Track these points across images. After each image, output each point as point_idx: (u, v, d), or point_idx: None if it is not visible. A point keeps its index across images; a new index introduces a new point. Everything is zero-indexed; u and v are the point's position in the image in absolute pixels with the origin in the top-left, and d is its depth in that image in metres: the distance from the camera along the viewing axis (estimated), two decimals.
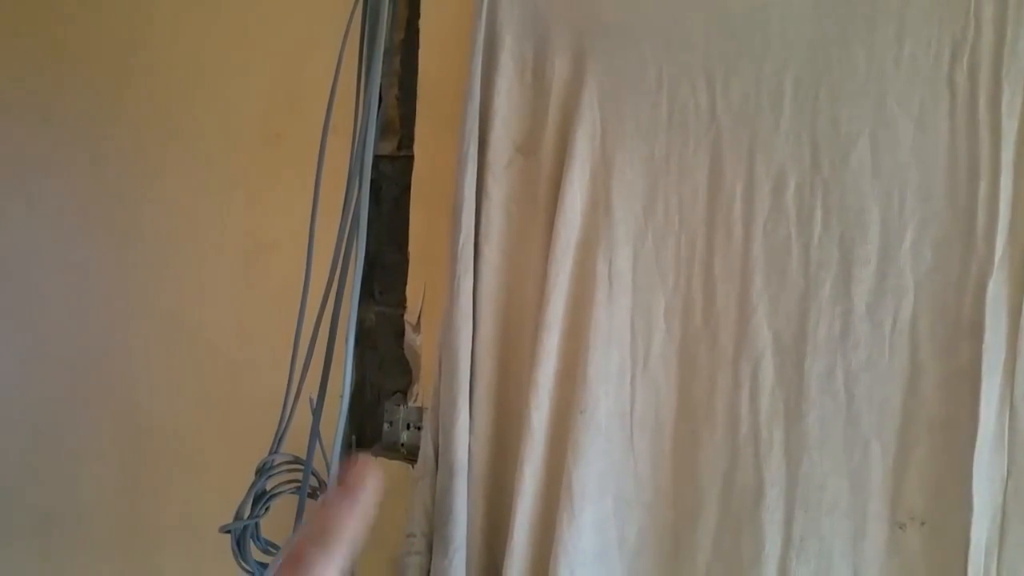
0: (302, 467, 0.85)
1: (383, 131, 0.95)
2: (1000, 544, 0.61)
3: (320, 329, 0.86)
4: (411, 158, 0.92)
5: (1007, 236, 0.61)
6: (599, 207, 0.74)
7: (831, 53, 0.66)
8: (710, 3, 0.70)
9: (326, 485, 0.83)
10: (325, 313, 0.87)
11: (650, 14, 0.73)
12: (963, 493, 0.61)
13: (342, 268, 0.87)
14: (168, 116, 1.09)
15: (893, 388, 0.64)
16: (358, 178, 0.87)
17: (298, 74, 1.00)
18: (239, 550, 0.87)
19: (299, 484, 0.85)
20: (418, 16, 0.91)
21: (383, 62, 0.92)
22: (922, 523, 0.63)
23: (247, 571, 0.88)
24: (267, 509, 0.88)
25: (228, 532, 0.86)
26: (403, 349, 0.92)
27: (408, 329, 0.92)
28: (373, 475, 0.42)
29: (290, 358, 0.88)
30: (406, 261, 0.92)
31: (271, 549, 0.89)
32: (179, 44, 1.09)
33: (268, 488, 0.88)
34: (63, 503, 1.20)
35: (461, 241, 0.78)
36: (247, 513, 0.86)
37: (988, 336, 0.61)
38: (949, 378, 0.63)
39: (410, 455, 0.90)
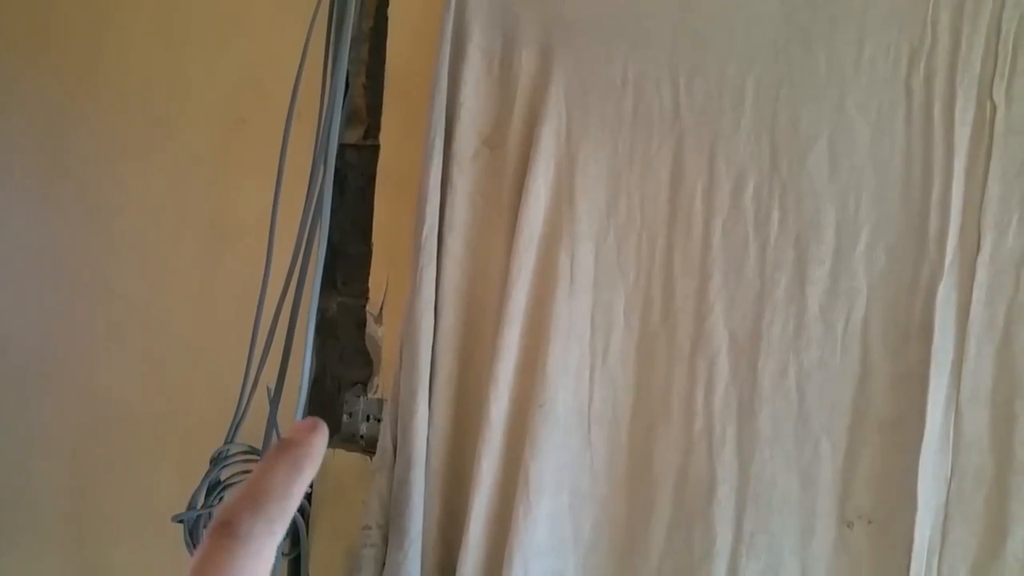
0: (258, 457, 0.84)
1: (349, 119, 0.94)
2: (942, 542, 0.62)
3: (280, 318, 0.85)
4: (377, 147, 0.91)
5: (958, 241, 0.62)
6: (562, 202, 0.74)
7: (793, 55, 0.66)
8: (677, 2, 0.71)
9: None
10: (285, 302, 0.86)
11: (617, 11, 0.73)
12: (909, 492, 0.62)
13: (304, 257, 0.86)
14: (130, 99, 1.07)
15: (844, 388, 0.65)
16: (322, 166, 0.86)
17: (264, 58, 0.98)
18: (192, 540, 0.87)
19: None
20: (387, 4, 0.91)
21: (351, 49, 0.91)
22: (869, 521, 0.64)
23: None
24: (221, 499, 0.87)
25: (181, 522, 0.85)
26: (364, 340, 0.92)
27: (370, 320, 0.91)
28: (318, 433, 0.37)
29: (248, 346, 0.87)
30: (369, 251, 0.91)
31: None
32: (143, 26, 1.07)
33: (223, 478, 0.87)
34: (12, 491, 1.17)
35: (425, 232, 0.78)
36: (200, 503, 0.85)
37: (937, 338, 0.62)
38: (899, 379, 0.64)
39: (369, 447, 0.90)
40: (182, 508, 0.86)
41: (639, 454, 0.72)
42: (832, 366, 0.65)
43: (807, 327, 0.66)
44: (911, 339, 0.63)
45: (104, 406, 1.10)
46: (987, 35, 0.62)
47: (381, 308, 0.90)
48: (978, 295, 0.61)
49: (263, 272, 0.89)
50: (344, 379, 0.94)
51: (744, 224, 0.68)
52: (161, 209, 1.05)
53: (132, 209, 1.07)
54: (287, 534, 0.85)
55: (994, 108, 0.61)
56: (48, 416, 1.14)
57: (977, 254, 0.61)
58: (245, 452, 0.88)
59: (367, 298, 0.91)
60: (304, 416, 0.86)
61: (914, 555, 0.62)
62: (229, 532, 0.29)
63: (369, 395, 0.92)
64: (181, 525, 0.86)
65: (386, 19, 0.90)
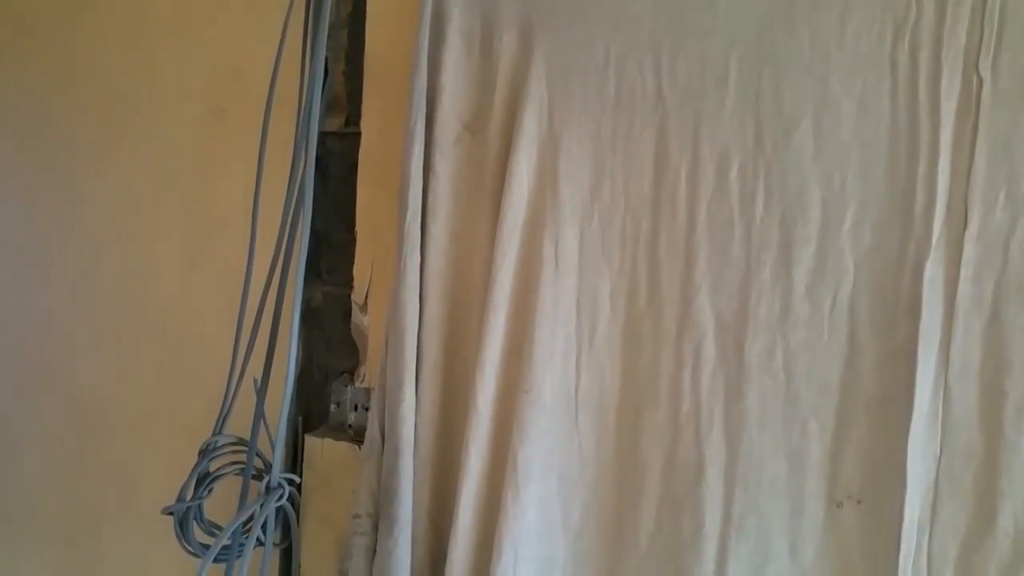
0: (246, 448, 0.83)
1: (330, 107, 0.92)
2: (932, 521, 0.61)
3: (265, 308, 0.83)
4: (359, 135, 0.89)
5: (944, 217, 0.61)
6: (546, 186, 0.73)
7: (776, 32, 0.64)
8: None
9: (270, 466, 0.81)
10: (270, 292, 0.84)
11: None
12: (898, 471, 0.61)
13: (287, 246, 0.84)
14: (109, 91, 1.04)
15: (831, 368, 0.64)
16: (303, 154, 0.84)
17: (241, 46, 0.96)
18: (182, 532, 0.85)
19: (243, 465, 0.83)
20: None
21: (330, 36, 0.89)
22: (858, 501, 0.63)
23: (190, 552, 0.86)
24: (210, 491, 0.86)
25: (171, 514, 0.84)
26: (350, 329, 0.90)
27: (355, 309, 0.89)
28: None
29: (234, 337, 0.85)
30: (354, 240, 0.89)
31: (214, 531, 0.87)
32: (117, 17, 1.04)
33: (211, 470, 0.86)
34: (4, 490, 1.16)
35: (408, 219, 0.76)
36: (190, 495, 0.84)
37: (925, 316, 0.61)
38: (886, 358, 0.63)
39: (357, 436, 0.88)
40: (172, 501, 0.84)
41: (627, 438, 0.71)
42: (819, 346, 0.64)
43: (794, 307, 0.65)
44: (899, 317, 0.62)
45: (91, 402, 1.08)
46: (972, 6, 0.60)
47: (366, 297, 0.88)
48: (965, 272, 0.60)
49: (246, 263, 0.87)
50: (331, 369, 0.92)
51: (729, 205, 0.66)
52: (141, 202, 1.03)
53: (112, 202, 1.05)
54: (278, 523, 0.84)
55: (980, 82, 0.60)
56: (36, 414, 1.12)
57: (964, 230, 0.60)
58: (233, 443, 0.86)
59: (352, 287, 0.89)
60: (291, 406, 0.85)
61: (904, 533, 0.61)
62: None
63: (356, 384, 0.90)
64: (171, 517, 0.84)
65: (364, 3, 0.88)
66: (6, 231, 1.14)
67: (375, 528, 0.78)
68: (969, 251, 0.60)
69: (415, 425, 0.76)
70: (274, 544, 0.87)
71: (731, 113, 0.66)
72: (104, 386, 1.07)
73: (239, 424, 0.86)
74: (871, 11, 0.62)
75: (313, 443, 0.88)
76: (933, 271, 0.61)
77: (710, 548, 0.66)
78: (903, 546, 0.61)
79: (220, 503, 0.86)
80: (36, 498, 1.13)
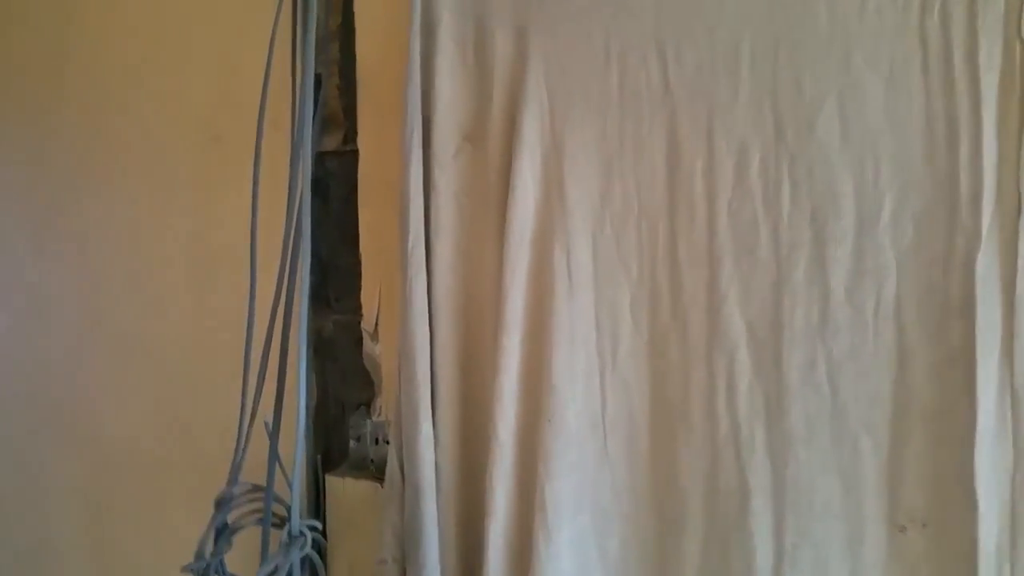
0: (262, 495, 0.81)
1: (326, 125, 0.90)
2: (1012, 544, 0.57)
3: (272, 342, 0.82)
4: (358, 152, 0.87)
5: (994, 204, 0.56)
6: (552, 194, 0.70)
7: (790, 11, 0.61)
8: None
9: (290, 512, 0.79)
10: (276, 325, 0.83)
11: None
12: (966, 490, 0.57)
13: (290, 275, 0.83)
14: (101, 125, 1.05)
15: (880, 377, 0.60)
16: (299, 177, 0.82)
17: (234, 71, 0.95)
18: None
19: (262, 514, 0.81)
20: (352, 0, 0.86)
21: (321, 50, 0.87)
22: (924, 524, 0.59)
23: None
24: (231, 544, 0.84)
25: (192, 572, 0.83)
26: (363, 359, 0.88)
27: (366, 337, 0.87)
28: None
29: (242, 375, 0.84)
30: (359, 263, 0.87)
31: None
32: (111, 47, 1.04)
33: (230, 521, 0.85)
34: (36, 541, 1.17)
35: (411, 239, 0.74)
36: (209, 550, 0.83)
37: (981, 315, 0.56)
38: (941, 363, 0.58)
39: (379, 472, 0.86)
40: (194, 550, 0.84)
41: (662, 464, 0.68)
42: (865, 354, 0.60)
43: (833, 312, 0.61)
44: (951, 318, 0.58)
45: (111, 451, 1.08)
46: None
47: (376, 323, 0.86)
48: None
49: (248, 296, 0.85)
50: (348, 401, 0.91)
51: (752, 203, 0.63)
52: (145, 237, 1.03)
53: (116, 240, 1.05)
54: (304, 573, 0.82)
55: None
56: (62, 466, 1.13)
57: (1019, 217, 0.55)
58: (250, 491, 0.84)
59: (362, 314, 0.87)
60: (306, 446, 0.83)
61: (980, 561, 0.56)
62: None
63: (374, 417, 0.88)
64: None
65: (353, 14, 0.86)
66: (19, 274, 1.15)
67: (403, 574, 0.75)
68: None
69: (435, 460, 0.73)
70: None
71: (747, 103, 0.62)
72: (122, 432, 1.07)
73: (257, 468, 0.85)
74: None
75: (334, 483, 0.87)
76: (986, 265, 0.56)
77: None
78: (981, 574, 0.56)
79: (245, 553, 0.85)
80: (68, 552, 1.14)
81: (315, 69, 0.83)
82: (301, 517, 0.77)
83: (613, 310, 0.68)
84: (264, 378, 0.83)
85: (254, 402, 0.84)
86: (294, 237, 0.83)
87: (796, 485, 0.62)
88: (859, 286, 0.60)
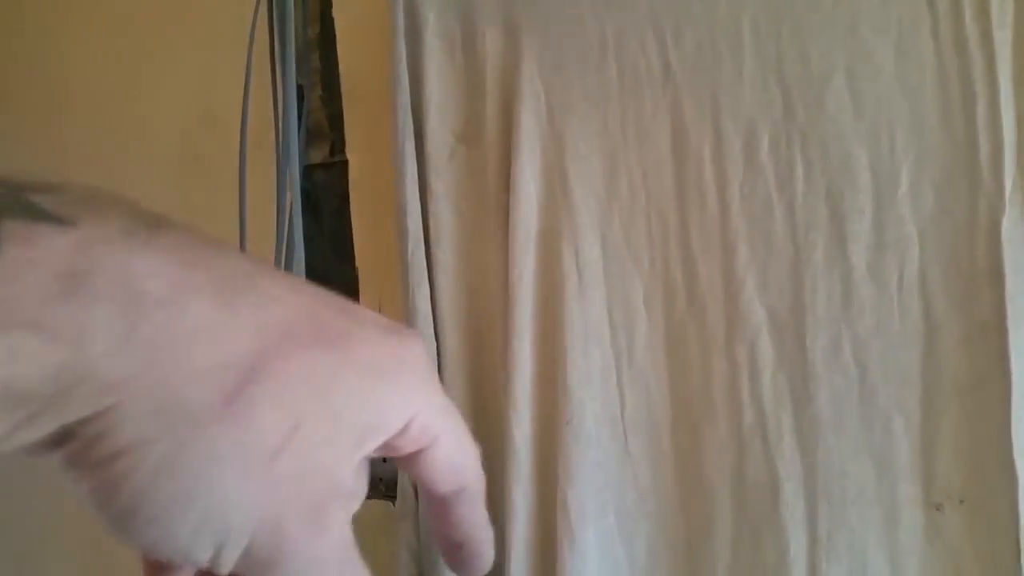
0: None
1: (312, 137, 0.89)
2: None
3: None
4: (346, 163, 0.87)
5: (1016, 164, 0.56)
6: (556, 191, 0.69)
7: None
8: None
9: None
10: None
11: None
12: (1004, 463, 0.56)
13: None
14: (70, 146, 1.03)
15: (909, 353, 0.59)
16: (287, 192, 0.82)
17: (211, 87, 0.94)
18: None
19: None
20: (331, 5, 0.86)
21: (301, 60, 0.87)
22: (961, 501, 0.59)
23: None
24: None
25: None
26: None
27: None
28: None
29: None
30: (356, 277, 0.86)
31: None
32: (79, 67, 1.03)
33: None
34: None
35: (410, 248, 0.73)
36: None
37: (1010, 281, 0.56)
38: (971, 334, 0.58)
39: (390, 491, 0.85)
40: None
41: (687, 460, 0.67)
42: (892, 331, 0.60)
43: (856, 290, 0.60)
44: (979, 287, 0.57)
45: None
46: None
47: None
48: None
49: None
50: None
51: (765, 185, 0.62)
52: None
53: None
54: None
55: None
56: (56, 508, 1.10)
57: None
58: None
59: None
60: None
61: (1023, 534, 0.56)
62: None
63: None
64: None
65: (332, 21, 0.85)
66: None
67: None
68: None
69: None
70: None
71: (752, 81, 0.62)
72: None
73: None
74: None
75: None
76: (1012, 228, 0.56)
77: (799, 575, 0.62)
78: None
79: None
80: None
81: (296, 81, 0.83)
82: None
83: (627, 305, 0.68)
84: None
85: None
86: (286, 255, 0.82)
87: (827, 471, 0.61)
88: (881, 261, 0.60)
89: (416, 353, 0.30)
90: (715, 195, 0.64)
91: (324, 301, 0.28)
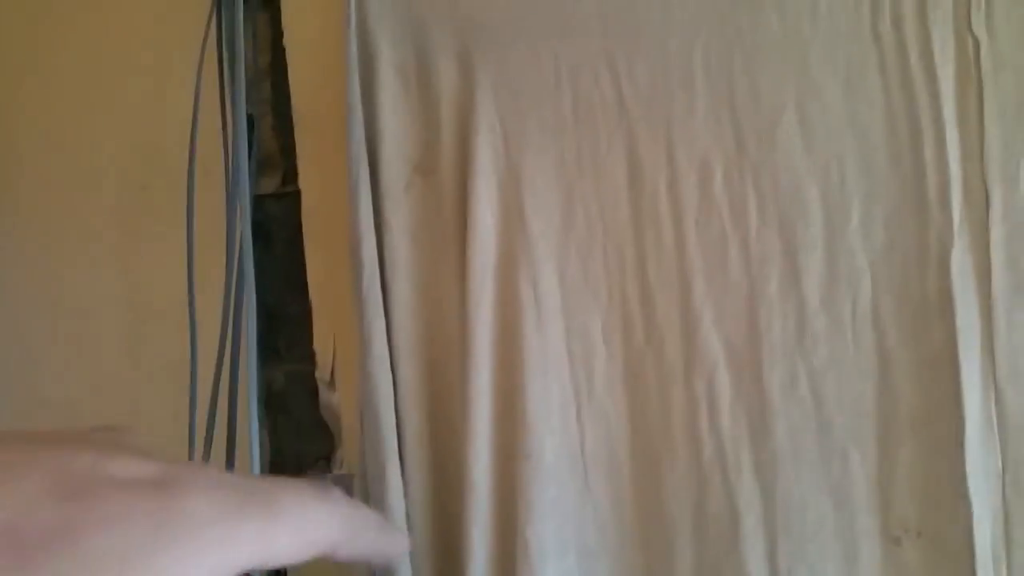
0: None
1: (263, 166, 0.88)
2: (1008, 547, 0.58)
3: (219, 400, 0.79)
4: (299, 193, 0.85)
5: (962, 198, 0.58)
6: (513, 223, 0.69)
7: (740, 17, 0.62)
8: None
9: None
10: (222, 381, 0.80)
11: (535, 1, 0.68)
12: (957, 495, 0.58)
13: (234, 327, 0.81)
14: (11, 175, 1.00)
15: (864, 385, 0.61)
16: (236, 223, 0.81)
17: (158, 115, 0.92)
18: None
19: None
20: (281, 34, 0.85)
21: (251, 89, 0.86)
22: (918, 534, 0.59)
23: None
24: None
25: None
26: (320, 410, 0.85)
27: (321, 387, 0.85)
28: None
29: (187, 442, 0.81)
30: (309, 309, 0.85)
31: None
32: (26, 94, 1.01)
33: None
34: None
35: (365, 281, 0.73)
36: None
37: (960, 313, 0.57)
38: (924, 367, 0.59)
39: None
40: None
41: (647, 495, 0.67)
42: (846, 363, 0.61)
43: (810, 323, 0.61)
44: (930, 319, 0.59)
45: None
46: None
47: (332, 372, 0.84)
48: (997, 257, 0.56)
49: (190, 354, 0.82)
50: (305, 457, 0.88)
51: (719, 218, 0.63)
52: (70, 302, 0.98)
53: (38, 307, 1.00)
54: None
55: (976, 43, 0.57)
56: None
57: (988, 210, 0.57)
58: None
59: (315, 363, 0.85)
60: None
61: (978, 566, 0.57)
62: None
63: (335, 470, 0.86)
64: None
65: (283, 50, 0.84)
66: None
67: None
68: (997, 233, 0.57)
69: (406, 511, 0.71)
70: None
71: (704, 115, 0.63)
72: None
73: None
74: None
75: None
76: (960, 260, 0.58)
77: None
78: None
79: None
80: None
81: (246, 109, 0.82)
82: None
83: (585, 338, 0.68)
84: (212, 440, 0.80)
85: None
86: (236, 287, 0.81)
87: (787, 505, 0.62)
88: (834, 293, 0.61)
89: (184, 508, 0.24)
90: (671, 228, 0.65)
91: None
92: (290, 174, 0.86)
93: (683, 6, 0.64)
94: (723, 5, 0.62)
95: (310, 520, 0.26)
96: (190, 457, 0.80)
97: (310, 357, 0.86)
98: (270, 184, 0.88)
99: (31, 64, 0.99)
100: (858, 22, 0.59)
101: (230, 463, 0.77)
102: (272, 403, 0.88)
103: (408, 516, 0.72)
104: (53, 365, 1.00)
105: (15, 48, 1.01)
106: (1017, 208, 0.57)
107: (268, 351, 0.86)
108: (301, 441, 0.88)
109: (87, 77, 0.97)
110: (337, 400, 0.84)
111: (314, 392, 0.86)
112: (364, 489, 0.74)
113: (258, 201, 0.87)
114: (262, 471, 0.80)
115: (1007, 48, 0.56)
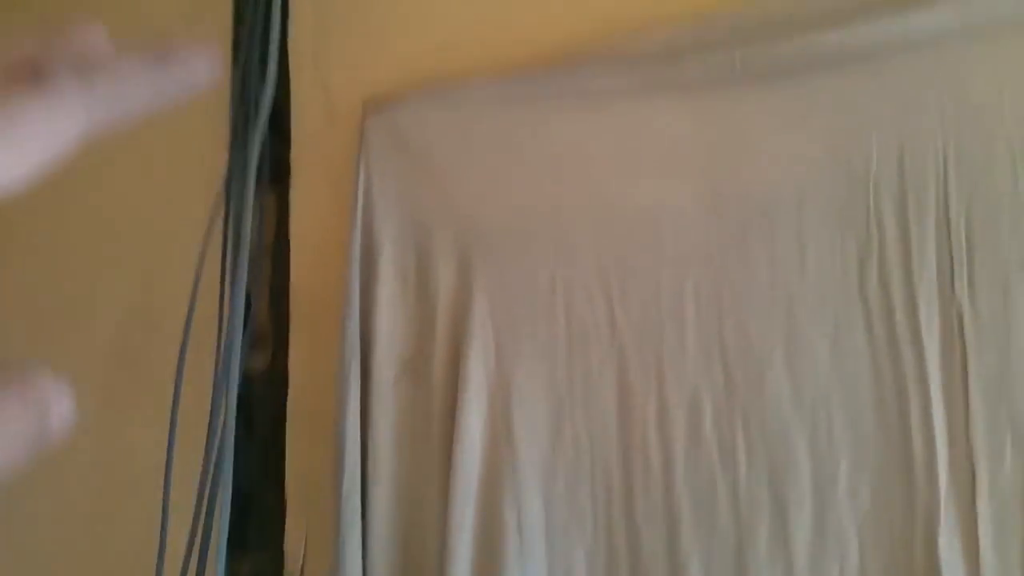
0: None
1: (253, 344, 0.89)
2: None
3: None
4: (286, 374, 0.86)
5: (949, 472, 0.58)
6: (500, 439, 0.70)
7: (728, 255, 0.65)
8: (596, 206, 0.70)
9: None
10: (189, 571, 0.79)
11: (535, 218, 0.72)
12: None
13: (206, 516, 0.80)
14: (8, 324, 1.01)
15: None
16: (222, 406, 0.81)
17: (156, 287, 0.94)
18: None
19: None
20: (288, 219, 0.88)
21: (253, 267, 0.88)
22: None
23: None
24: None
25: None
26: None
27: None
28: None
29: None
30: (285, 501, 0.84)
31: None
32: (25, 254, 1.03)
33: None
34: None
35: (346, 487, 0.73)
36: None
37: None
38: None
39: None
40: None
41: None
42: None
43: None
44: None
45: None
46: (936, 223, 0.61)
47: (301, 572, 0.82)
48: (985, 540, 0.56)
49: (158, 537, 0.81)
50: None
51: (708, 458, 0.64)
52: (42, 471, 0.97)
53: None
54: None
55: (960, 315, 0.59)
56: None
57: (974, 486, 0.57)
58: None
59: (284, 560, 0.83)
60: None
61: None
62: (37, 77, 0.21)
63: None
64: None
65: (288, 233, 0.87)
66: None
67: None
68: (984, 512, 0.57)
69: None
70: None
71: (694, 349, 0.65)
72: None
73: None
74: (829, 234, 0.63)
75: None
76: (948, 541, 0.58)
77: None
78: None
79: None
80: None
81: (245, 287, 0.83)
82: None
83: (568, 570, 0.67)
84: None
85: None
86: (213, 474, 0.80)
87: None
88: (822, 555, 0.60)
89: None
90: (659, 462, 0.65)
91: None
92: (280, 354, 0.87)
93: (675, 239, 0.67)
94: (712, 248, 0.66)
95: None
96: None
97: (279, 552, 0.84)
98: (259, 361, 0.89)
99: (32, 223, 1.02)
100: (845, 280, 0.62)
101: None
102: None
103: None
104: (19, 541, 0.98)
105: (33, 198, 1.04)
106: (1003, 489, 0.57)
107: (235, 541, 0.84)
108: None
109: (95, 233, 0.99)
110: None
111: None
112: None
113: (244, 378, 0.87)
114: None
115: (989, 323, 0.59)
